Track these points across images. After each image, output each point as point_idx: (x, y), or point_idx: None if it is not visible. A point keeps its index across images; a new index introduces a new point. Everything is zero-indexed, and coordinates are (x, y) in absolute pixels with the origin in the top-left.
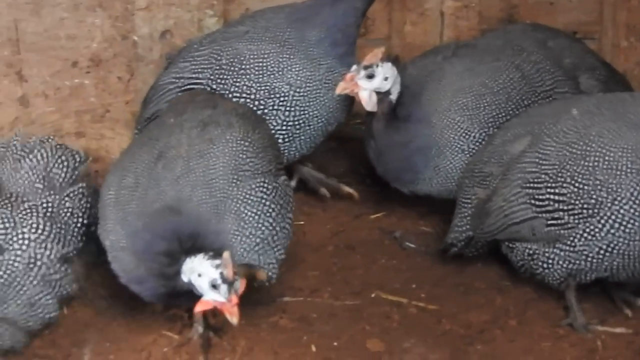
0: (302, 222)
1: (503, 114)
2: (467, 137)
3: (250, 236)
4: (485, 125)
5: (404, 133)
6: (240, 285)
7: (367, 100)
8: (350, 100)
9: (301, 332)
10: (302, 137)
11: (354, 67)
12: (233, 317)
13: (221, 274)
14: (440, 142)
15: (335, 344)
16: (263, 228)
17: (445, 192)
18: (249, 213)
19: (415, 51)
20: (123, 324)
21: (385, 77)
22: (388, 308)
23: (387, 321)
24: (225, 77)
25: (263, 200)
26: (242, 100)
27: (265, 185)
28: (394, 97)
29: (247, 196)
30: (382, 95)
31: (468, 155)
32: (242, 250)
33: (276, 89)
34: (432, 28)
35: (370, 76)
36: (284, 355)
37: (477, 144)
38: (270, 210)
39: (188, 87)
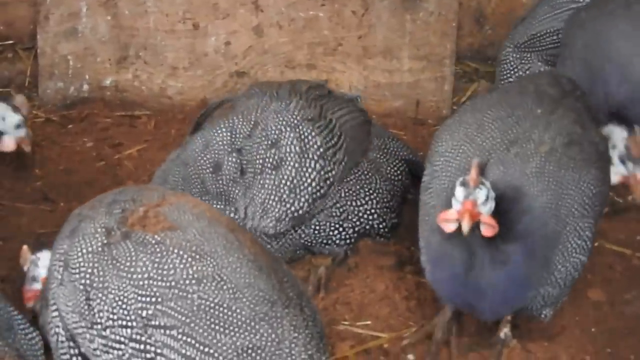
0: None
1: None
2: None
3: (566, 268)
4: None
5: None
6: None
7: None
8: None
9: None
10: None
11: None
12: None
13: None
14: None
15: None
16: (573, 268)
17: None
18: (572, 248)
19: None
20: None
21: None
22: (611, 258)
23: (609, 271)
24: None
25: (584, 245)
26: None
27: (590, 235)
28: None
29: (579, 231)
30: None
31: None
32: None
33: None
34: None
35: None
36: None
37: None
38: (583, 258)
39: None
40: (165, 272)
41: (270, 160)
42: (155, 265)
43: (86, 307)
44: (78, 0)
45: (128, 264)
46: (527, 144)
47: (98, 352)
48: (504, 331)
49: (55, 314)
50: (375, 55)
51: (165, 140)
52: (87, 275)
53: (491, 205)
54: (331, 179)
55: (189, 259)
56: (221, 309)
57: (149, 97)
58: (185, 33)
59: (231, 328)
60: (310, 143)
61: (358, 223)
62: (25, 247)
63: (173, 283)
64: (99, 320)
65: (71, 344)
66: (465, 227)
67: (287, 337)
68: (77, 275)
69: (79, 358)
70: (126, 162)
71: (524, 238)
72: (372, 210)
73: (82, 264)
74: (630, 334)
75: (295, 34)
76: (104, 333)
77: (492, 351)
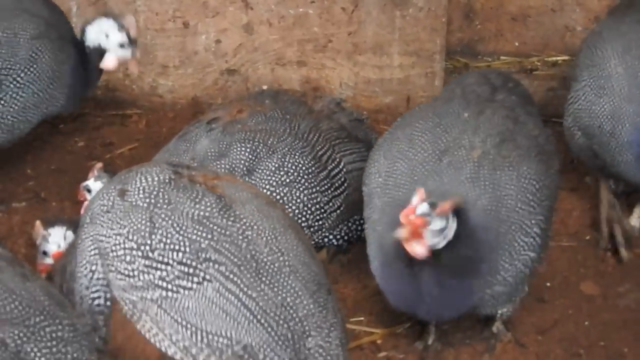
0: None
1: None
2: None
3: (514, 267)
4: None
5: None
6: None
7: None
8: None
9: None
10: None
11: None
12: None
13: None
14: None
15: (548, 284)
16: (523, 265)
17: None
18: (519, 246)
19: None
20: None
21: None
22: (603, 251)
23: (602, 265)
24: None
25: (533, 242)
26: None
27: (539, 231)
28: None
29: (526, 228)
30: None
31: None
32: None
33: None
34: None
35: None
36: None
37: None
38: (532, 255)
39: None
40: (224, 221)
41: (277, 197)
42: (218, 209)
43: (146, 226)
44: (68, 0)
45: (194, 195)
46: (458, 151)
47: (135, 272)
48: (497, 325)
49: (95, 252)
50: (365, 52)
51: (157, 139)
52: (153, 196)
53: (440, 241)
54: (317, 227)
55: (248, 230)
56: (274, 267)
57: (140, 96)
58: (175, 31)
59: (277, 285)
60: (314, 195)
61: (349, 232)
62: (38, 222)
63: (228, 232)
64: (148, 242)
65: (105, 282)
66: (399, 233)
67: (330, 319)
68: (141, 196)
69: (109, 302)
70: (118, 161)
71: (464, 249)
72: (361, 221)
73: (146, 188)
74: (624, 327)
75: (285, 31)
76: (150, 255)
77: (485, 345)
